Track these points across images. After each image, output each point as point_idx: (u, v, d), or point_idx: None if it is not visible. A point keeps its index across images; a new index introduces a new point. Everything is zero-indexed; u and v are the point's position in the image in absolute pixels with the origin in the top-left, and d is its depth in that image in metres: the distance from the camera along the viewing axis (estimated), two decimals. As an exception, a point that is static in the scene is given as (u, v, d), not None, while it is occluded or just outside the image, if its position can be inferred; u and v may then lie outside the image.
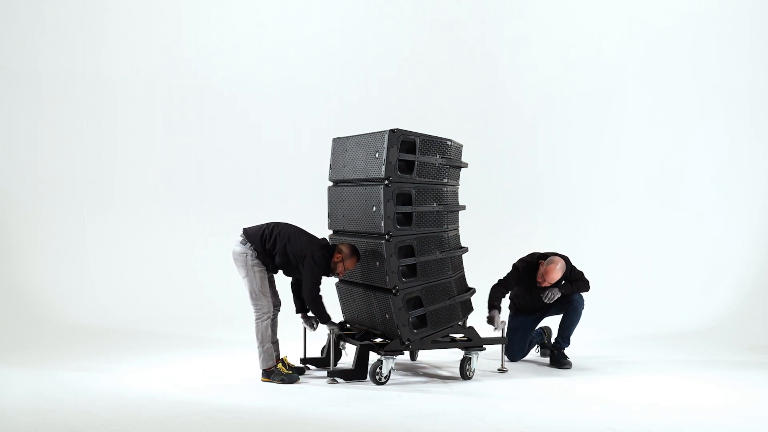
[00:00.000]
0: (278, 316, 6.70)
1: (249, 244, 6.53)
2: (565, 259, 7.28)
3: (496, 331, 6.97)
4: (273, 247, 6.50)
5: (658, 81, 10.85)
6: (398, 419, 5.55)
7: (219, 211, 10.61)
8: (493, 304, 7.14)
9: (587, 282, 7.34)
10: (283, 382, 6.45)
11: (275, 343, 6.62)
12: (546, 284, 7.18)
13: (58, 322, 9.19)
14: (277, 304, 6.70)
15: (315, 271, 6.42)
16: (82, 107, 10.51)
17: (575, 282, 7.28)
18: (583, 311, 7.34)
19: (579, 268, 7.38)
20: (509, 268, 7.40)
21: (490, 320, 7.03)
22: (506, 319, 7.17)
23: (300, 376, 6.61)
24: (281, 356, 6.63)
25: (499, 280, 7.33)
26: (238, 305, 8.39)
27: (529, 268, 7.30)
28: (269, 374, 6.50)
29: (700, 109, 10.63)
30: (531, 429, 5.35)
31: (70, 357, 7.57)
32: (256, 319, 6.53)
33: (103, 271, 10.15)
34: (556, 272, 7.13)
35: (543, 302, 7.31)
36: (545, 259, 7.21)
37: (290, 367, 6.60)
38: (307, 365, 7.06)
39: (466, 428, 5.36)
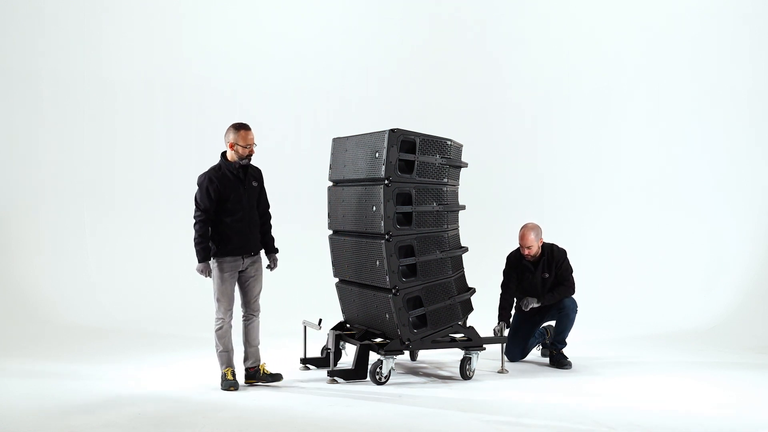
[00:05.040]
0: (257, 321, 6.49)
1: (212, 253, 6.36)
2: (562, 250, 7.35)
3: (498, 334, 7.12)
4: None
5: (658, 81, 10.85)
6: (398, 419, 5.54)
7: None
8: (501, 315, 7.28)
9: (571, 286, 7.33)
10: (221, 387, 6.29)
11: (255, 349, 6.44)
12: (527, 252, 7.26)
13: (58, 322, 9.20)
14: (254, 311, 6.48)
15: (196, 194, 6.25)
16: (82, 107, 10.52)
17: (556, 288, 7.30)
18: (577, 315, 7.35)
19: (574, 265, 7.41)
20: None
21: (496, 330, 7.15)
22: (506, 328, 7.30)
23: (277, 382, 6.43)
24: (261, 362, 6.47)
25: (501, 283, 7.44)
26: (238, 305, 8.38)
27: (516, 253, 7.44)
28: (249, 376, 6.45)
29: (700, 109, 10.63)
30: (531, 429, 5.35)
31: (70, 357, 7.57)
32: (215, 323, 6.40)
33: (103, 271, 10.16)
34: (528, 234, 7.23)
35: (536, 288, 7.34)
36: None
37: (265, 374, 6.42)
38: (307, 365, 7.06)
39: (466, 428, 5.36)
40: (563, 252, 7.39)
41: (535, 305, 7.25)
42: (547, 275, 7.32)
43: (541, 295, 7.31)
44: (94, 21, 10.59)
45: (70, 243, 10.21)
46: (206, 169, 6.38)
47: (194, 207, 6.31)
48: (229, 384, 6.27)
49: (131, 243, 10.42)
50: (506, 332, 7.24)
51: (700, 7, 10.67)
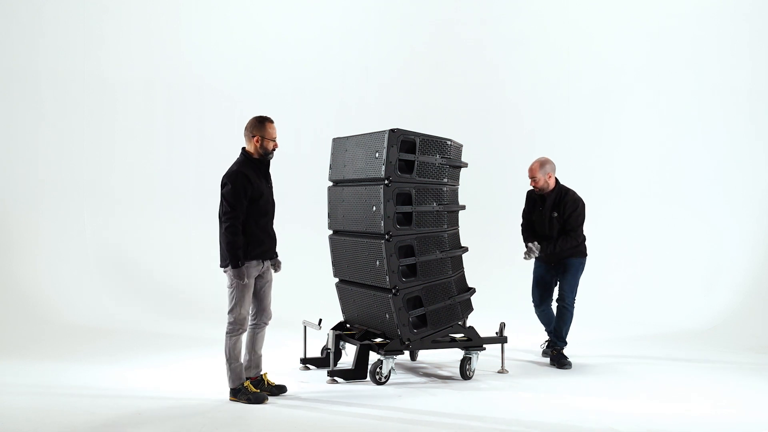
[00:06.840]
0: (265, 329, 6.17)
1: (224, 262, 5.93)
2: (576, 199, 7.30)
3: (529, 256, 7.27)
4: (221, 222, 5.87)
5: (658, 81, 10.85)
6: (398, 419, 5.55)
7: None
8: (525, 240, 7.43)
9: (574, 237, 7.29)
10: (249, 401, 5.86)
11: (259, 357, 6.13)
12: (532, 184, 7.32)
13: (58, 322, 9.19)
14: (267, 318, 6.15)
15: (229, 192, 5.74)
16: (82, 107, 10.52)
17: (559, 239, 7.26)
18: (575, 312, 7.39)
19: (582, 218, 7.40)
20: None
21: (526, 252, 7.30)
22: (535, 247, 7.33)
23: (281, 394, 6.12)
24: (262, 372, 6.16)
25: (521, 223, 7.61)
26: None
27: (533, 190, 7.51)
28: (236, 393, 5.93)
29: (700, 109, 10.63)
30: (531, 429, 5.35)
31: (71, 357, 7.57)
32: (227, 332, 5.91)
33: (103, 271, 10.15)
34: (535, 167, 7.29)
35: (543, 223, 7.36)
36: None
37: (269, 385, 6.11)
38: (307, 365, 7.06)
39: (466, 428, 5.36)
40: (576, 202, 7.31)
41: (536, 254, 7.24)
42: (555, 214, 7.30)
43: (549, 233, 7.30)
44: (94, 21, 10.58)
45: (70, 243, 10.21)
46: (233, 166, 5.90)
47: (226, 207, 5.77)
48: (260, 397, 5.90)
49: (131, 243, 10.42)
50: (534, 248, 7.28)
51: (699, 6, 10.67)
